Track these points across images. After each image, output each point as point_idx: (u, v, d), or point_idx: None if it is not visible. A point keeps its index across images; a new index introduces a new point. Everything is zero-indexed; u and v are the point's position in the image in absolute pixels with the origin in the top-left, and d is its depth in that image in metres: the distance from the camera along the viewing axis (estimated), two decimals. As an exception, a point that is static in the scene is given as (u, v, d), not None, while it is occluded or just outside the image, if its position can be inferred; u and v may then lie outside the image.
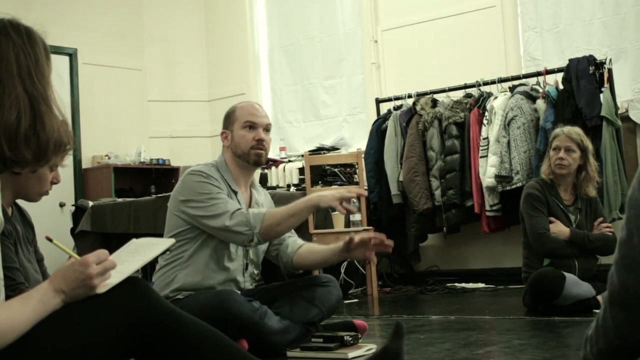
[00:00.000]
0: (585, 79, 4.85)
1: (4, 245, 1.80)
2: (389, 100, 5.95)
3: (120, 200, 6.01)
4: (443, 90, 5.63)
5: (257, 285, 3.01)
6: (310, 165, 5.22)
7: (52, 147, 1.38)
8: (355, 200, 4.93)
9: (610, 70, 4.89)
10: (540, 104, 5.02)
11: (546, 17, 5.64)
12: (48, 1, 6.79)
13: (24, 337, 1.36)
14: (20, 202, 2.08)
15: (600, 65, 4.89)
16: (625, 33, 5.28)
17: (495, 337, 3.09)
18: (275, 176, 6.51)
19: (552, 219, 3.69)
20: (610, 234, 3.74)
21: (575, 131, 3.77)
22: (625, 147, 4.89)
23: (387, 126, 5.66)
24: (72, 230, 5.94)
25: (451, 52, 6.04)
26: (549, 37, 5.63)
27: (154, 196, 5.71)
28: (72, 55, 6.98)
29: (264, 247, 2.92)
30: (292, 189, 5.48)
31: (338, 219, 4.94)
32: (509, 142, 4.99)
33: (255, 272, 2.94)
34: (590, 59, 4.91)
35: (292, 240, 2.94)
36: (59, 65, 6.66)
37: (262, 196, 3.01)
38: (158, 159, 7.11)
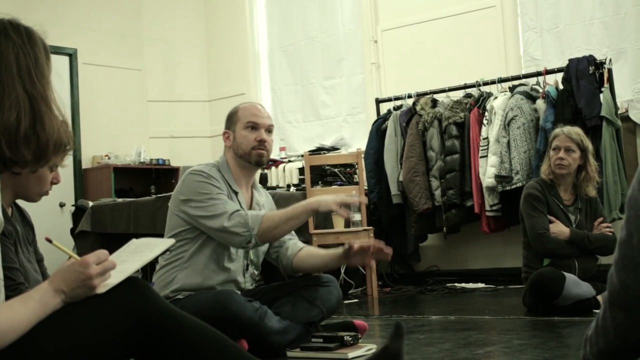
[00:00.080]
0: (585, 79, 4.85)
1: (4, 245, 1.80)
2: (389, 100, 5.95)
3: (120, 200, 6.00)
4: (443, 90, 5.63)
5: (257, 285, 3.01)
6: (310, 165, 5.23)
7: (52, 147, 1.38)
8: (354, 192, 4.95)
9: (610, 70, 4.89)
10: (540, 104, 5.02)
11: (546, 17, 5.64)
12: (48, 1, 6.79)
13: (24, 337, 1.36)
14: (20, 202, 2.08)
15: (600, 65, 4.90)
16: (625, 33, 5.28)
17: (495, 337, 3.09)
18: (275, 176, 6.52)
19: (552, 219, 3.69)
20: (610, 234, 3.74)
21: (575, 131, 3.77)
22: (625, 147, 4.90)
23: (387, 126, 5.66)
24: (72, 231, 5.94)
25: (451, 52, 6.04)
26: (549, 37, 5.63)
27: (153, 196, 5.71)
28: (72, 55, 6.98)
29: (264, 248, 2.92)
30: (292, 189, 5.47)
31: (338, 219, 4.95)
32: (509, 142, 4.99)
33: (256, 272, 2.94)
34: (590, 59, 4.92)
35: (293, 243, 2.93)
36: (59, 66, 6.66)
37: (263, 197, 3.01)
38: (158, 159, 7.11)
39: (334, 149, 6.22)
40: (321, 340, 2.62)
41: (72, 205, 6.36)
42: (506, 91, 5.28)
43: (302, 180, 5.52)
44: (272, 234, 2.72)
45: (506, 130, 5.01)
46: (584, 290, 3.52)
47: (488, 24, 5.91)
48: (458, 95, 5.55)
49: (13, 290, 1.73)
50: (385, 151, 5.60)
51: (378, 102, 6.09)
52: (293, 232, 2.99)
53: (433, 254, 5.91)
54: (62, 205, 6.70)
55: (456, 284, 5.23)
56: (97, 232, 5.69)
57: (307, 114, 7.00)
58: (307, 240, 4.65)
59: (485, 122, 5.16)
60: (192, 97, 7.72)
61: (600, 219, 3.81)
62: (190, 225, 2.78)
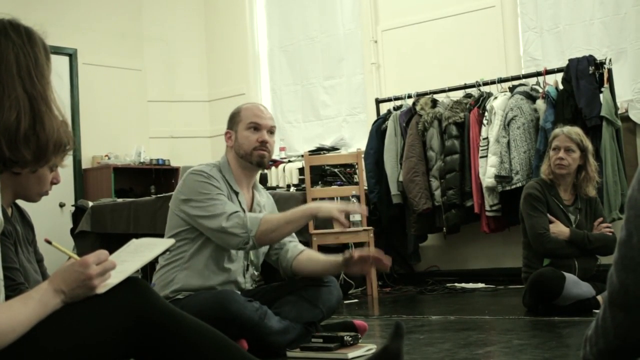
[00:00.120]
0: (585, 79, 4.85)
1: (4, 245, 1.80)
2: (389, 100, 5.95)
3: (120, 200, 6.01)
4: (443, 91, 5.63)
5: (257, 285, 3.01)
6: (310, 165, 5.23)
7: (51, 147, 1.38)
8: (355, 201, 4.95)
9: (610, 71, 4.89)
10: (540, 104, 5.02)
11: (546, 17, 5.64)
12: (48, 1, 6.80)
13: (24, 337, 1.36)
14: (20, 202, 2.08)
15: (600, 65, 4.90)
16: (625, 33, 5.28)
17: (495, 337, 3.09)
18: (275, 176, 6.52)
19: (552, 219, 3.69)
20: (610, 234, 3.74)
21: (575, 131, 3.77)
22: (625, 147, 4.90)
23: (387, 126, 5.66)
24: (72, 231, 5.95)
25: (451, 52, 6.04)
26: (549, 37, 5.63)
27: (153, 196, 5.71)
28: (72, 56, 6.98)
29: (264, 249, 2.91)
30: (292, 189, 5.47)
31: (338, 219, 4.94)
32: (508, 142, 4.99)
33: (256, 273, 2.94)
34: (590, 59, 4.92)
35: (293, 246, 2.93)
36: (58, 66, 6.66)
37: (264, 197, 3.01)
38: (158, 159, 7.12)
39: (334, 149, 6.22)
40: (321, 340, 2.62)
41: (72, 206, 6.36)
42: (506, 91, 5.28)
43: (302, 181, 5.52)
44: (270, 237, 2.72)
45: (506, 131, 5.01)
46: (584, 290, 3.52)
47: (488, 24, 5.91)
48: (458, 95, 5.55)
49: (13, 290, 1.73)
50: (385, 151, 5.60)
51: (378, 102, 6.09)
52: (294, 235, 2.99)
53: (433, 254, 5.91)
54: (62, 205, 6.70)
55: (456, 284, 5.23)
56: (97, 232, 5.70)
57: (307, 114, 7.00)
58: (307, 241, 4.65)
59: (485, 122, 5.16)
60: (192, 97, 7.72)
61: (600, 219, 3.81)
62: (190, 225, 2.78)
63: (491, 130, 5.09)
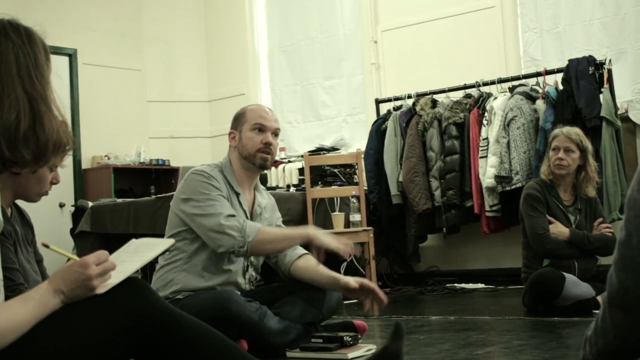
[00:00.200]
0: (585, 79, 4.85)
1: (3, 246, 1.80)
2: (389, 100, 5.95)
3: (120, 200, 6.00)
4: (443, 91, 5.63)
5: (257, 285, 3.01)
6: (310, 165, 5.22)
7: (51, 147, 1.38)
8: (354, 201, 4.95)
9: (610, 71, 4.89)
10: (540, 104, 5.02)
11: (546, 17, 5.64)
12: (48, 1, 6.80)
13: (23, 337, 1.36)
14: (19, 202, 2.08)
15: (599, 65, 4.90)
16: (625, 33, 5.28)
17: (495, 338, 3.09)
18: (275, 176, 6.52)
19: (552, 219, 3.69)
20: (610, 234, 3.74)
21: (575, 131, 3.77)
22: (624, 148, 4.90)
23: (386, 126, 5.66)
24: (72, 231, 5.94)
25: (451, 53, 6.04)
26: (549, 38, 5.63)
27: (153, 197, 5.71)
28: (71, 56, 6.98)
29: None
30: (292, 189, 5.47)
31: (338, 220, 4.94)
32: (508, 143, 4.99)
33: (254, 274, 2.94)
34: (589, 60, 4.92)
35: (291, 249, 2.93)
36: (58, 66, 6.67)
37: (265, 199, 3.00)
38: (158, 160, 7.12)
39: (333, 149, 6.21)
40: (321, 340, 2.62)
41: (72, 206, 6.36)
42: (506, 91, 5.28)
43: (302, 181, 5.52)
44: (265, 247, 2.73)
45: (506, 131, 5.01)
46: (584, 290, 3.52)
47: (488, 25, 5.91)
48: (458, 95, 5.55)
49: (12, 290, 1.73)
50: (385, 151, 5.60)
51: (378, 102, 6.09)
52: None
53: (433, 254, 5.91)
54: (61, 205, 6.70)
55: (456, 285, 5.23)
56: (96, 232, 5.69)
57: (307, 114, 7.00)
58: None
59: (485, 122, 5.16)
60: (192, 97, 7.72)
61: (600, 220, 3.81)
62: (189, 225, 2.78)
63: (491, 131, 5.09)
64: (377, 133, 5.72)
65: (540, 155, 4.64)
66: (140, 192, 6.87)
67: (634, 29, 5.22)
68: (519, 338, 2.86)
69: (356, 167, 5.37)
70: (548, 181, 3.77)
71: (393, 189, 5.51)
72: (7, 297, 1.46)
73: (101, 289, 1.43)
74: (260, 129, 2.87)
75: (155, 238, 1.81)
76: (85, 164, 7.01)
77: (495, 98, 5.22)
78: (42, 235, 2.15)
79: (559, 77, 5.09)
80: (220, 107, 7.46)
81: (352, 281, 2.68)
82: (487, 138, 5.11)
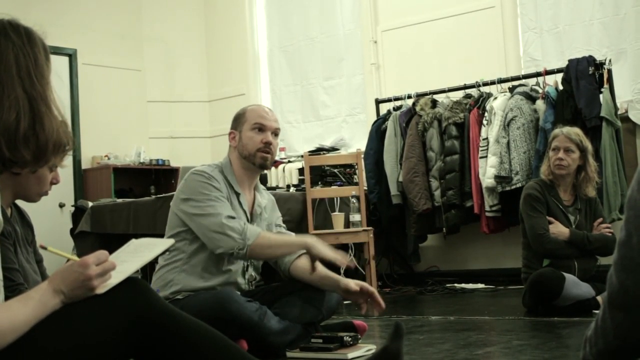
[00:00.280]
0: (585, 79, 4.85)
1: (3, 246, 1.80)
2: (389, 100, 5.95)
3: (119, 200, 6.01)
4: (443, 91, 5.63)
5: (257, 285, 3.01)
6: (310, 165, 5.22)
7: (51, 147, 1.38)
8: (354, 201, 4.95)
9: (609, 71, 4.89)
10: (540, 104, 5.02)
11: (546, 17, 5.64)
12: (48, 1, 6.79)
13: (23, 337, 1.35)
14: (19, 202, 2.08)
15: (599, 65, 4.90)
16: (625, 33, 5.28)
17: (495, 338, 3.09)
18: (274, 176, 6.52)
19: (552, 219, 3.69)
20: (610, 234, 3.74)
21: (575, 131, 3.77)
22: (624, 148, 4.90)
23: (386, 127, 5.66)
24: (72, 231, 5.94)
25: (451, 53, 6.04)
26: (549, 38, 5.63)
27: (153, 197, 5.71)
28: (71, 56, 6.98)
29: None
30: (292, 189, 5.47)
31: (338, 220, 4.95)
32: (508, 143, 4.99)
33: (253, 274, 2.94)
34: (589, 60, 4.92)
35: None
36: (58, 66, 6.67)
37: (265, 199, 3.00)
38: (158, 160, 7.12)
39: (333, 149, 6.21)
40: (321, 340, 2.62)
41: (72, 206, 6.36)
42: (506, 92, 5.28)
43: (301, 181, 5.52)
44: (263, 252, 2.73)
45: (506, 131, 5.01)
46: (584, 290, 3.52)
47: (488, 25, 5.91)
48: (458, 95, 5.55)
49: (12, 290, 1.73)
50: (385, 152, 5.60)
51: (378, 102, 6.09)
52: (293, 235, 2.99)
53: (433, 254, 5.91)
54: (61, 205, 6.70)
55: (456, 285, 5.23)
56: (96, 232, 5.69)
57: (307, 115, 7.00)
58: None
59: (485, 122, 5.16)
60: (192, 97, 7.72)
61: (600, 220, 3.81)
62: (189, 225, 2.78)
63: (491, 131, 5.09)
64: (377, 133, 5.72)
65: (540, 155, 4.64)
66: (140, 192, 6.87)
67: (634, 29, 5.22)
68: (519, 338, 2.86)
69: (356, 167, 5.37)
70: (548, 181, 3.77)
71: (393, 189, 5.51)
72: (7, 297, 1.46)
73: (101, 289, 1.43)
74: (260, 128, 2.87)
75: (155, 238, 1.81)
76: (85, 164, 7.01)
77: (495, 98, 5.22)
78: (42, 235, 2.15)
79: (559, 77, 5.09)
80: (220, 107, 7.46)
81: (352, 284, 2.69)
82: (487, 138, 5.11)
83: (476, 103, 5.31)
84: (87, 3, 7.18)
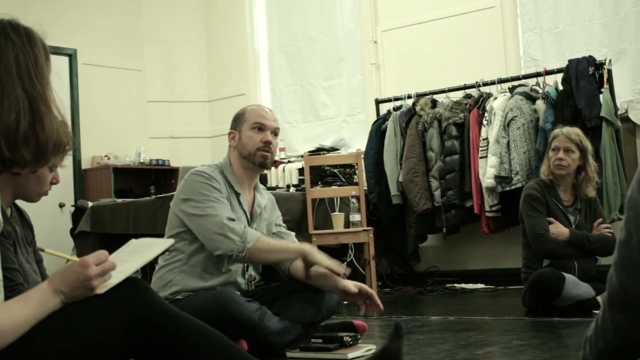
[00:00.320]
0: (585, 79, 4.85)
1: (3, 246, 1.80)
2: (389, 100, 5.95)
3: (119, 200, 6.00)
4: (443, 91, 5.63)
5: (257, 285, 3.01)
6: (310, 165, 5.22)
7: (51, 147, 1.38)
8: (354, 201, 4.95)
9: (609, 71, 4.89)
10: (540, 104, 5.02)
11: (546, 17, 5.64)
12: (48, 1, 6.79)
13: (23, 337, 1.35)
14: (19, 202, 2.08)
15: (599, 65, 4.89)
16: (625, 34, 5.28)
17: (495, 338, 3.09)
18: (274, 176, 6.52)
19: (552, 219, 3.69)
20: (610, 234, 3.74)
21: (575, 132, 3.77)
22: (624, 148, 4.90)
23: (386, 127, 5.66)
24: (72, 231, 5.94)
25: (451, 53, 6.04)
26: (549, 38, 5.63)
27: (153, 197, 5.71)
28: (71, 56, 6.98)
29: None
30: (292, 189, 5.47)
31: (338, 220, 4.94)
32: (508, 143, 4.99)
33: (254, 274, 2.94)
34: (589, 60, 4.92)
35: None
36: (58, 66, 6.67)
37: (265, 198, 3.01)
38: (158, 160, 7.12)
39: (333, 149, 6.21)
40: (321, 340, 2.62)
41: (72, 206, 6.36)
42: (506, 92, 5.28)
43: (301, 181, 5.52)
44: (262, 256, 2.74)
45: (506, 131, 5.01)
46: (584, 290, 3.52)
47: (488, 25, 5.91)
48: (458, 95, 5.55)
49: (12, 291, 1.73)
50: (385, 152, 5.60)
51: (378, 102, 6.09)
52: (294, 238, 3.00)
53: (433, 254, 5.91)
54: (61, 205, 6.70)
55: (456, 285, 5.23)
56: (96, 232, 5.69)
57: (307, 115, 7.00)
58: (307, 241, 4.64)
59: (485, 122, 5.16)
60: (192, 97, 7.72)
61: (600, 220, 3.81)
62: (188, 226, 2.78)
63: (491, 131, 5.09)
64: (377, 133, 5.72)
65: (540, 155, 4.64)
66: (140, 192, 6.87)
67: (634, 29, 5.22)
68: (519, 338, 2.86)
69: (356, 167, 5.37)
70: (548, 181, 3.77)
71: (393, 189, 5.51)
72: (6, 297, 1.46)
73: (101, 289, 1.43)
74: (260, 128, 2.88)
75: (155, 238, 1.81)
76: (85, 164, 7.01)
77: (495, 98, 5.22)
78: (42, 235, 2.15)
79: (559, 77, 5.09)
80: (220, 107, 7.46)
81: (351, 285, 2.70)
82: (487, 138, 5.11)
83: (476, 103, 5.31)
84: (87, 3, 7.18)
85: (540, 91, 5.12)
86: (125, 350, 1.45)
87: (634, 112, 5.12)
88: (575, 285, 3.50)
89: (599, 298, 3.47)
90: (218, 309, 2.52)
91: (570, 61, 4.98)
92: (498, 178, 4.97)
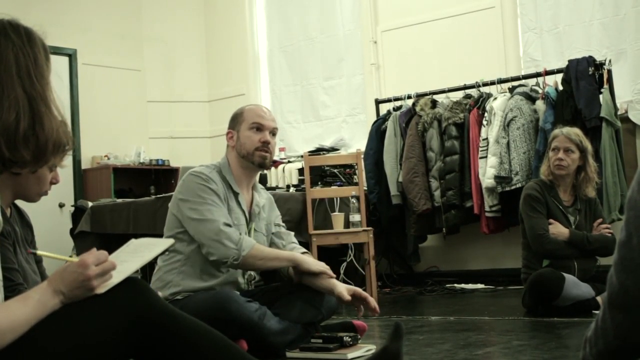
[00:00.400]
0: (585, 79, 4.85)
1: (2, 246, 1.80)
2: (389, 101, 5.95)
3: (119, 200, 6.00)
4: (442, 91, 5.63)
5: (256, 285, 3.01)
6: (310, 166, 5.22)
7: (51, 147, 1.38)
8: (354, 201, 4.95)
9: (609, 71, 4.89)
10: (540, 104, 5.02)
11: (546, 18, 5.64)
12: (48, 1, 6.79)
13: (23, 337, 1.35)
14: (19, 202, 2.08)
15: (599, 66, 4.89)
16: (625, 34, 5.28)
17: (495, 338, 3.09)
18: (274, 177, 6.51)
19: (551, 220, 3.69)
20: (610, 235, 3.74)
21: (575, 132, 3.77)
22: (624, 148, 4.89)
23: (386, 127, 5.66)
24: (72, 231, 5.94)
25: (451, 53, 6.04)
26: (549, 38, 5.63)
27: (153, 197, 5.71)
28: (71, 56, 6.98)
29: None
30: (292, 189, 5.47)
31: (338, 220, 4.94)
32: (508, 143, 4.99)
33: (253, 274, 2.94)
34: (589, 60, 4.91)
35: (290, 248, 2.94)
36: (58, 66, 6.67)
37: (263, 198, 3.01)
38: (157, 160, 7.12)
39: (333, 149, 6.21)
40: (320, 340, 2.62)
41: (72, 206, 6.36)
42: (506, 92, 5.28)
43: (301, 181, 5.52)
44: (255, 263, 2.74)
45: (506, 131, 5.01)
46: (584, 291, 3.52)
47: (488, 25, 5.91)
48: (458, 96, 5.55)
49: (12, 291, 1.73)
50: (385, 152, 5.60)
51: (378, 102, 6.09)
52: (293, 237, 3.01)
53: (432, 254, 5.91)
54: (61, 205, 6.70)
55: (456, 285, 5.23)
56: (96, 232, 5.69)
57: (307, 115, 7.00)
58: (307, 241, 4.64)
59: (484, 122, 5.16)
60: (192, 97, 7.72)
61: (600, 220, 3.81)
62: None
63: (491, 131, 5.09)
64: (377, 133, 5.72)
65: (540, 155, 4.64)
66: (140, 192, 6.87)
67: (634, 29, 5.22)
68: (519, 338, 2.86)
69: (356, 167, 5.36)
70: (548, 181, 3.77)
71: (393, 189, 5.51)
72: (6, 297, 1.46)
73: (101, 289, 1.43)
74: (258, 128, 2.88)
75: (155, 238, 1.81)
76: (85, 164, 7.01)
77: (495, 98, 5.21)
78: (42, 235, 2.15)
79: (559, 77, 5.09)
80: (220, 107, 7.46)
81: (345, 292, 2.70)
82: (487, 138, 5.11)
83: (476, 103, 5.31)
84: (87, 3, 7.18)
85: (540, 91, 5.12)
86: (125, 350, 1.45)
87: (634, 113, 5.11)
88: (575, 286, 3.50)
89: (598, 298, 3.47)
90: (218, 309, 2.52)
91: (570, 61, 4.98)
92: (498, 178, 4.97)
